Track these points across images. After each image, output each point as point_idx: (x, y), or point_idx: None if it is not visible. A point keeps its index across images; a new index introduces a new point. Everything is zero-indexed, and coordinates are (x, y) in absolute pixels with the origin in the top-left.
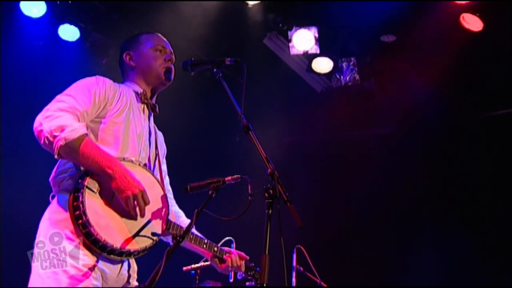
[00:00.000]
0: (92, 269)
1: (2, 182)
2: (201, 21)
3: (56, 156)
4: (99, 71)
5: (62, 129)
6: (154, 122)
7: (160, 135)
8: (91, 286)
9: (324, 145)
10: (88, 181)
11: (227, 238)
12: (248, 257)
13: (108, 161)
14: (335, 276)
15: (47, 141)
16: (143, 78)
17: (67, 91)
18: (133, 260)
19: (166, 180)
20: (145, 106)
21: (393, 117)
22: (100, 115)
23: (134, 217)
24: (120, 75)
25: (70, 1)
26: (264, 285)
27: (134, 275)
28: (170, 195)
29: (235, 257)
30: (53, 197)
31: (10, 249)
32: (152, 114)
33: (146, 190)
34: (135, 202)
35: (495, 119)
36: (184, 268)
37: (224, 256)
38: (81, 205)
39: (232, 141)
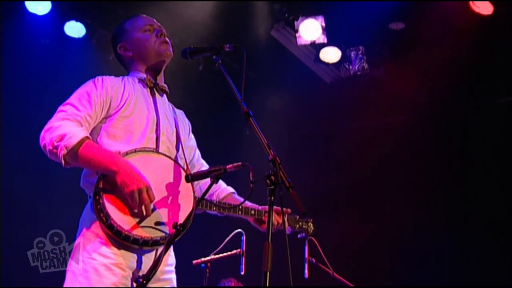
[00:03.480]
0: (120, 267)
1: (5, 181)
2: (207, 14)
3: (64, 165)
4: (106, 67)
5: (62, 138)
6: (169, 101)
7: (180, 112)
8: (119, 286)
9: (335, 136)
10: (103, 183)
11: (237, 230)
12: (289, 210)
13: (111, 158)
14: (347, 268)
15: (51, 153)
16: (143, 63)
17: (67, 100)
18: (171, 253)
19: (197, 155)
20: (154, 90)
21: (404, 106)
22: (108, 114)
23: (146, 211)
24: (124, 70)
25: None
26: (268, 272)
27: (172, 268)
28: (204, 168)
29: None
30: (89, 197)
31: (10, 249)
32: (164, 95)
33: (165, 175)
34: (141, 197)
35: (509, 104)
36: (194, 262)
37: (263, 218)
38: (102, 208)
39: (241, 135)
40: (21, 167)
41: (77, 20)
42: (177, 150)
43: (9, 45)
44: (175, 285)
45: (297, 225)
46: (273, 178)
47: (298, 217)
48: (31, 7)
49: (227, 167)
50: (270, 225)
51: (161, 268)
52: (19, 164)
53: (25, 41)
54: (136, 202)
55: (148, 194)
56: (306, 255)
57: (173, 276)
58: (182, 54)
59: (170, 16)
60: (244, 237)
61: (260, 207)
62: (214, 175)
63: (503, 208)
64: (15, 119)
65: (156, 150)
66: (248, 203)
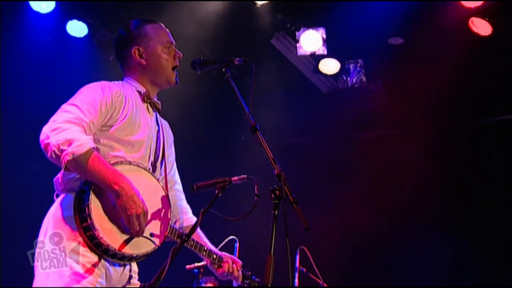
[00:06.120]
0: (96, 266)
1: (5, 180)
2: (209, 19)
3: (63, 170)
4: (106, 68)
5: (69, 143)
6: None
7: (165, 124)
8: (97, 285)
9: (329, 146)
10: (95, 185)
11: (230, 237)
12: (240, 262)
13: (115, 177)
14: (338, 277)
15: (54, 155)
16: (150, 78)
17: (72, 100)
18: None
19: (173, 170)
20: (149, 105)
21: (399, 119)
22: (108, 124)
23: (138, 234)
24: (120, 67)
25: None
26: (269, 285)
27: (135, 275)
28: (178, 186)
29: (231, 264)
30: (57, 196)
31: (10, 249)
32: (156, 111)
33: (150, 195)
34: (138, 222)
35: (501, 123)
36: (187, 267)
37: (222, 264)
38: (86, 208)
39: (237, 141)
40: (21, 166)
41: (79, 19)
42: (160, 166)
43: (11, 41)
44: None
45: (246, 281)
46: (277, 192)
47: (249, 273)
48: (35, 5)
49: (232, 179)
50: (273, 239)
51: (130, 273)
52: (20, 163)
53: (28, 39)
54: (133, 227)
55: (144, 217)
56: (297, 265)
57: (136, 282)
58: (192, 65)
59: (171, 18)
60: (237, 244)
61: (219, 253)
62: (219, 186)
63: (492, 219)
64: (15, 116)
65: (147, 168)
66: (209, 246)
